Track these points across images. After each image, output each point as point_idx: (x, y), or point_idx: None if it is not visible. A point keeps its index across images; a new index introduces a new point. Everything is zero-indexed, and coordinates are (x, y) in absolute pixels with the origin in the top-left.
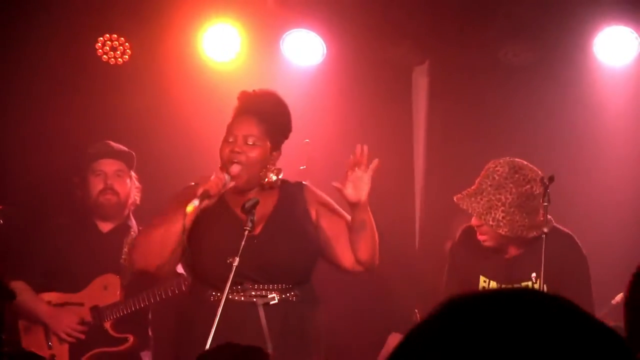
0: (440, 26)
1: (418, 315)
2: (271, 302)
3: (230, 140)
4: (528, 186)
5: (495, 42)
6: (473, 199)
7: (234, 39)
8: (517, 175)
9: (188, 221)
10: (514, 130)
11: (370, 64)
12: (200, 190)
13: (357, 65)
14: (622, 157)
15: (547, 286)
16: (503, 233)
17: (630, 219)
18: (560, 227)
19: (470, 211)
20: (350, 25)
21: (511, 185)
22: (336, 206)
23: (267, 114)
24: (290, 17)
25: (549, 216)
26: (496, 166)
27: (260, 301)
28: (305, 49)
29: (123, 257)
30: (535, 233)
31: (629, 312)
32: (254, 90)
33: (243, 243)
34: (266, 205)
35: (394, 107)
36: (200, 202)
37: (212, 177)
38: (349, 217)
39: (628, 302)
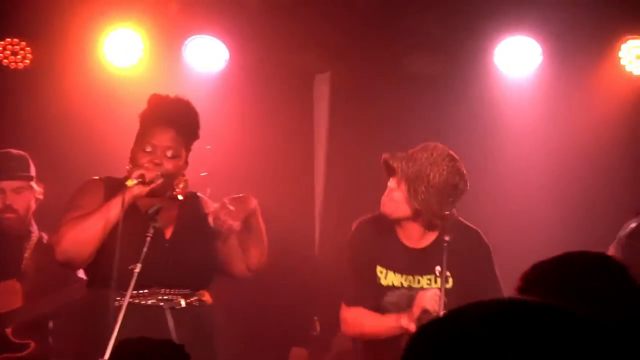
0: (344, 35)
1: (317, 324)
2: (177, 307)
3: (148, 150)
4: (458, 178)
5: (398, 51)
6: (404, 162)
7: (136, 44)
8: (453, 164)
9: (126, 202)
10: (416, 139)
11: (273, 71)
12: (136, 173)
13: (259, 72)
14: (523, 166)
15: (454, 278)
16: (415, 206)
17: (532, 226)
18: (465, 222)
19: (398, 171)
20: (252, 32)
21: (445, 168)
22: None
23: (185, 126)
24: (193, 23)
25: (454, 210)
26: (436, 146)
27: (167, 305)
28: (207, 55)
29: (24, 262)
30: (438, 225)
31: None
32: (167, 97)
33: (145, 250)
34: (171, 209)
35: (295, 115)
36: (137, 182)
37: (147, 164)
38: None
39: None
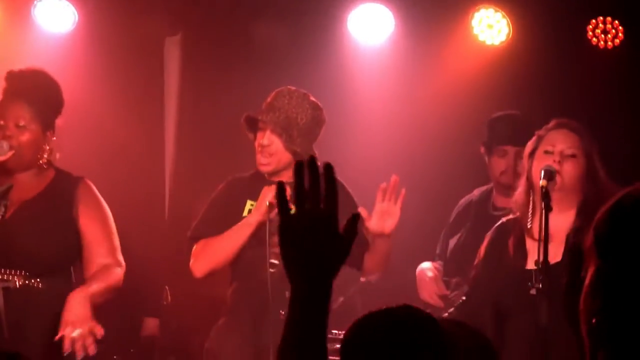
0: None
1: (169, 293)
2: (12, 286)
3: (1, 123)
4: (319, 112)
5: (248, 16)
6: (270, 114)
7: None
8: (311, 99)
9: None
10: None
11: (123, 33)
12: None
13: (109, 34)
14: (376, 134)
15: None
16: (296, 150)
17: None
18: None
19: (270, 124)
20: None
21: (307, 106)
22: (104, 213)
23: (36, 96)
24: None
25: None
26: (289, 89)
27: (0, 285)
28: (56, 16)
29: None
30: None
31: None
32: (20, 70)
33: None
34: (29, 190)
35: (145, 78)
36: None
37: None
38: (111, 226)
39: None
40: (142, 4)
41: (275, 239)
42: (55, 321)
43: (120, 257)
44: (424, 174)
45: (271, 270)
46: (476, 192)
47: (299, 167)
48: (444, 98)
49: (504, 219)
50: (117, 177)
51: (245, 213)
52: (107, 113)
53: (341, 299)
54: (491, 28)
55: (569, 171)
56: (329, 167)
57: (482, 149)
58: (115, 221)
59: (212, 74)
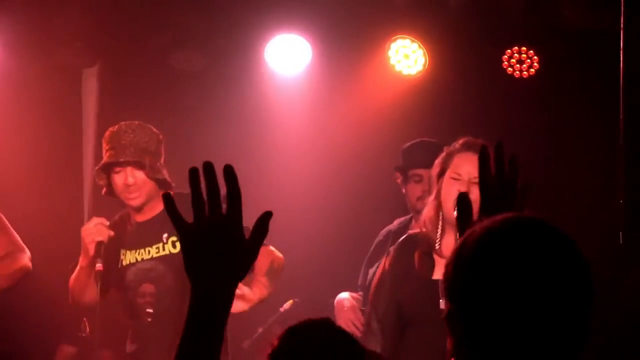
0: (110, 29)
1: (87, 325)
2: None
3: None
4: (156, 133)
5: (166, 47)
6: (127, 152)
7: None
8: (147, 126)
9: None
10: (185, 136)
11: (39, 66)
12: None
13: (26, 68)
14: (294, 165)
15: None
16: (160, 177)
17: (303, 223)
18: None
19: (130, 163)
20: (17, 24)
21: (149, 133)
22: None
23: None
24: None
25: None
26: (125, 124)
27: None
28: None
29: None
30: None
31: None
32: None
33: None
34: None
35: (63, 110)
36: None
37: None
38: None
39: None
40: (59, 36)
41: (142, 287)
42: None
43: (23, 244)
44: (342, 204)
45: (148, 319)
46: (395, 223)
47: (193, 174)
48: (361, 128)
49: (410, 232)
50: (36, 209)
51: (124, 262)
52: (26, 146)
53: (260, 329)
54: (408, 58)
55: (477, 198)
56: (228, 169)
57: (399, 179)
58: (34, 250)
59: (130, 105)
